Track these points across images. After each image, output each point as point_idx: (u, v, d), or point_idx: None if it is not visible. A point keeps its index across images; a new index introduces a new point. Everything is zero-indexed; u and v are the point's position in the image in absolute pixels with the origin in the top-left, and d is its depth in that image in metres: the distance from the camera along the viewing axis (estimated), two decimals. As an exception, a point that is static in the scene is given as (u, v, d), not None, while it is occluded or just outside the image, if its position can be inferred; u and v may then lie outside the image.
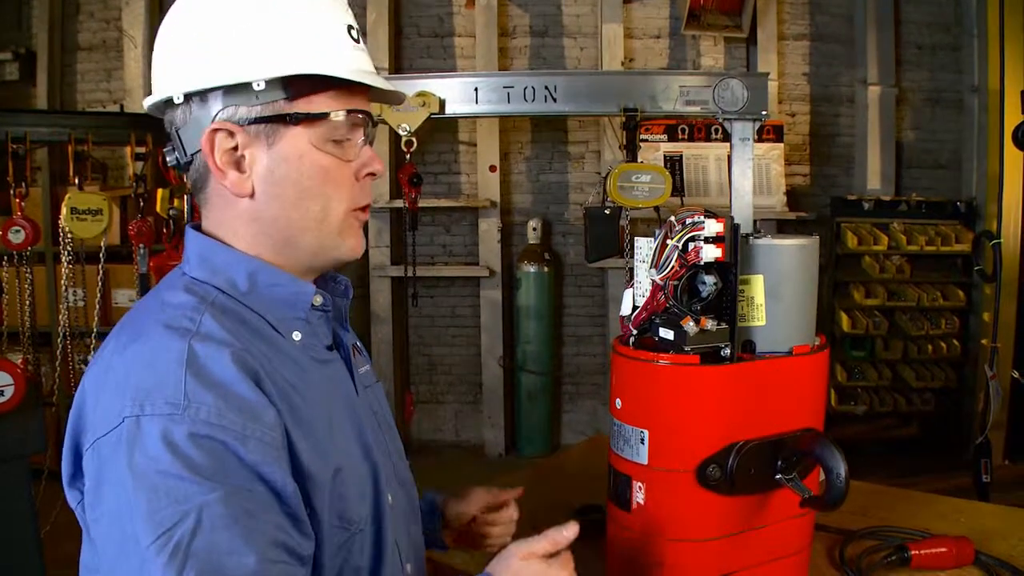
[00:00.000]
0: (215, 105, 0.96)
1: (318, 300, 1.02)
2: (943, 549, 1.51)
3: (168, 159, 1.03)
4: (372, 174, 1.04)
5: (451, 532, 1.35)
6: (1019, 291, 4.61)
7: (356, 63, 1.00)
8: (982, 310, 4.82)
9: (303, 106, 0.96)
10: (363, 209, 1.04)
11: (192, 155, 0.99)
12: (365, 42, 1.04)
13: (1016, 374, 3.78)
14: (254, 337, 0.94)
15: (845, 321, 4.81)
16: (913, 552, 1.49)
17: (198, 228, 1.04)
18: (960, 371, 4.97)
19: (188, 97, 0.97)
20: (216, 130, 0.95)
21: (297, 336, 1.00)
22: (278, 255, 1.00)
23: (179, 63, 0.98)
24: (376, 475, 1.03)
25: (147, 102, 1.03)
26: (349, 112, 0.99)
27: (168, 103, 0.99)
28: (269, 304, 0.99)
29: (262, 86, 0.94)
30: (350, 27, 1.01)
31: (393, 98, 1.08)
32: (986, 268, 3.56)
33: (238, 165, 0.97)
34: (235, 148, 0.96)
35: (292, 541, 0.86)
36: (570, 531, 1.01)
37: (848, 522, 1.64)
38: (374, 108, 1.05)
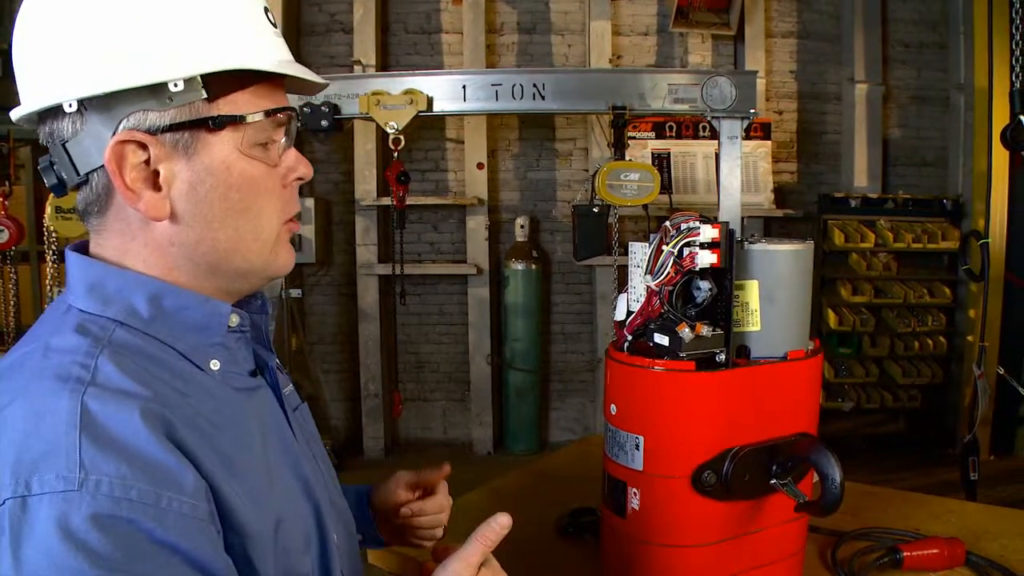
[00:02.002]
0: (119, 111, 0.79)
1: (235, 320, 0.89)
2: (935, 550, 1.51)
3: (46, 180, 0.84)
4: (300, 179, 0.91)
5: (385, 526, 1.24)
6: (1005, 288, 4.65)
7: (280, 52, 0.87)
8: (968, 306, 4.87)
9: (226, 107, 0.82)
10: (293, 220, 0.92)
11: (87, 174, 0.82)
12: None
13: (1002, 371, 3.81)
14: (165, 375, 0.79)
15: (832, 318, 4.84)
16: (905, 553, 1.50)
17: (83, 250, 0.87)
18: (947, 367, 5.02)
19: (83, 103, 0.79)
20: (124, 142, 0.79)
21: (216, 365, 0.85)
22: (194, 280, 0.86)
23: (70, 62, 0.79)
24: (319, 514, 0.92)
25: (17, 113, 0.84)
26: (276, 111, 0.86)
27: (50, 111, 0.81)
28: (179, 331, 0.84)
29: (180, 86, 0.79)
30: (266, 9, 0.87)
31: (315, 89, 0.95)
32: (973, 267, 3.58)
33: (152, 183, 0.81)
34: (147, 162, 0.81)
35: None
36: (501, 522, 0.86)
37: (840, 523, 1.64)
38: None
